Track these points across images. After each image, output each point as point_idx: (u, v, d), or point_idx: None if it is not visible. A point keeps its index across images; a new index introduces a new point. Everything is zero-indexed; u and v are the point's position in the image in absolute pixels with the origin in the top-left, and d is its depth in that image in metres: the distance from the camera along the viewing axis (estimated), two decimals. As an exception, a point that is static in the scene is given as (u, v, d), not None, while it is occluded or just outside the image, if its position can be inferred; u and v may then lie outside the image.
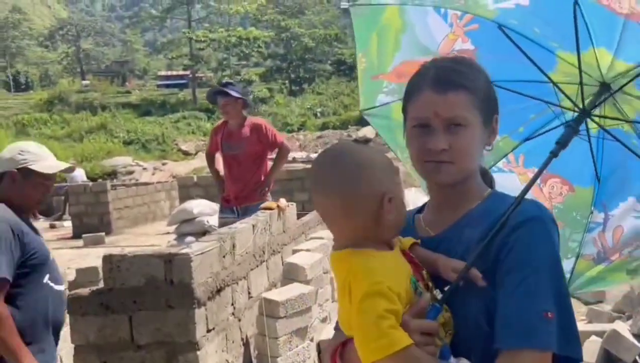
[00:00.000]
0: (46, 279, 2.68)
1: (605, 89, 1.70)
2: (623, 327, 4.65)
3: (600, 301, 6.61)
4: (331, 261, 1.24)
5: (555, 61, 1.79)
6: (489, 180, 1.40)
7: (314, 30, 45.00)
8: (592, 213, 2.03)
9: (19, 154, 2.70)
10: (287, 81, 44.60)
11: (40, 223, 15.43)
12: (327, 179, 1.17)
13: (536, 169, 2.03)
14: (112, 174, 24.23)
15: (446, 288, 1.18)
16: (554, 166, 2.00)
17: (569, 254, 2.09)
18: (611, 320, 5.45)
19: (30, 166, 2.67)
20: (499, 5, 1.73)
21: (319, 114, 36.17)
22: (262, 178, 5.39)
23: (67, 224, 14.31)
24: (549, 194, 2.08)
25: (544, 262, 1.14)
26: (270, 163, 5.63)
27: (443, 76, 1.25)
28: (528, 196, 2.07)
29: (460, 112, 1.23)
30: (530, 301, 1.10)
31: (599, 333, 4.64)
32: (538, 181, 2.03)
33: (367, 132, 26.03)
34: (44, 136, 31.62)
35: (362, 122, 29.68)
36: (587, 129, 1.81)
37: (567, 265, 2.06)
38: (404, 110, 1.34)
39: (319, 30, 44.27)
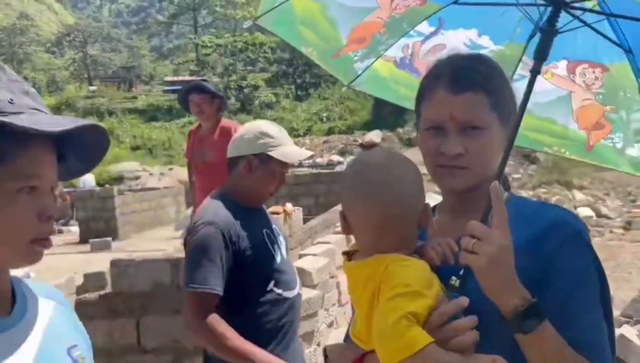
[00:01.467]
0: (271, 286, 2.25)
1: None
2: (631, 332, 4.63)
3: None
4: (354, 270, 1.17)
5: None
6: (505, 184, 1.30)
7: (319, 36, 45.03)
8: None
9: (259, 137, 2.30)
10: (293, 86, 44.61)
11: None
12: (384, 186, 1.11)
13: (556, 63, 1.80)
14: (119, 179, 24.32)
15: (461, 272, 1.11)
16: (573, 53, 1.81)
17: (637, 136, 1.86)
18: (619, 324, 5.41)
19: (269, 152, 2.28)
20: None
21: (324, 119, 36.13)
22: None
23: (74, 229, 14.38)
24: (584, 82, 1.83)
25: (595, 284, 1.14)
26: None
27: (459, 75, 1.17)
28: (565, 93, 1.84)
29: (478, 114, 1.15)
30: (598, 327, 1.11)
31: (607, 338, 4.62)
32: (565, 73, 1.83)
33: (373, 137, 25.98)
34: (51, 142, 31.79)
35: (368, 126, 29.66)
36: (576, 16, 1.52)
37: (637, 150, 1.86)
38: (417, 109, 1.26)
39: (324, 35, 44.23)
